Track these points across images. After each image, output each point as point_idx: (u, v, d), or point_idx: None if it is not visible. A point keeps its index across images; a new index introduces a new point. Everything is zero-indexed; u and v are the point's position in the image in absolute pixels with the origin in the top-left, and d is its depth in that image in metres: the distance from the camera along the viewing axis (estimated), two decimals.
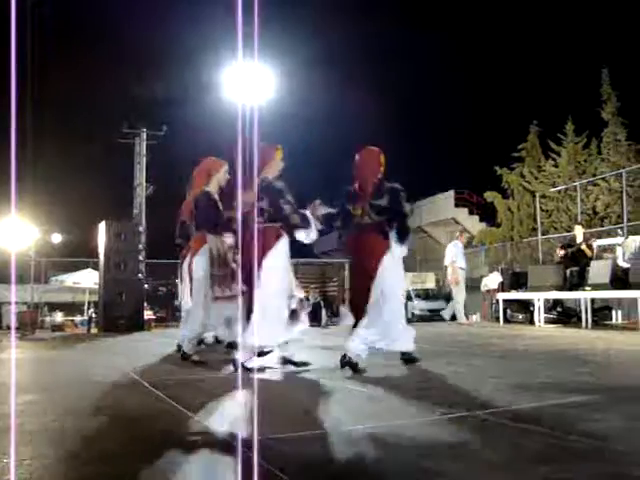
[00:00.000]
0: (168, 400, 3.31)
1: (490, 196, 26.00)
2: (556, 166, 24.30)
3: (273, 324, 4.63)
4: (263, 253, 4.63)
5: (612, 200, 21.93)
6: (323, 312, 16.07)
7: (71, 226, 30.32)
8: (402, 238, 4.74)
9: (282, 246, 4.77)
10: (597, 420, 2.67)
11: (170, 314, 26.53)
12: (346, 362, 4.47)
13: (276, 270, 4.67)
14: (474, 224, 29.41)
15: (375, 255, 4.63)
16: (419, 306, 21.01)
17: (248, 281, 4.96)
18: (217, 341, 6.43)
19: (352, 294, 5.37)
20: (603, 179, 21.56)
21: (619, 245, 11.89)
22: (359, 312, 4.62)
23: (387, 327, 4.61)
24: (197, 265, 5.38)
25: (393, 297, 4.68)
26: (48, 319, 18.72)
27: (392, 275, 4.68)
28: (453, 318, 12.73)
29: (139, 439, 2.47)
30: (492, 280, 14.12)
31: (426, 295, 22.29)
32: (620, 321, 11.12)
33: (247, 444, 2.21)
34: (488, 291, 14.24)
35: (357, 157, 4.92)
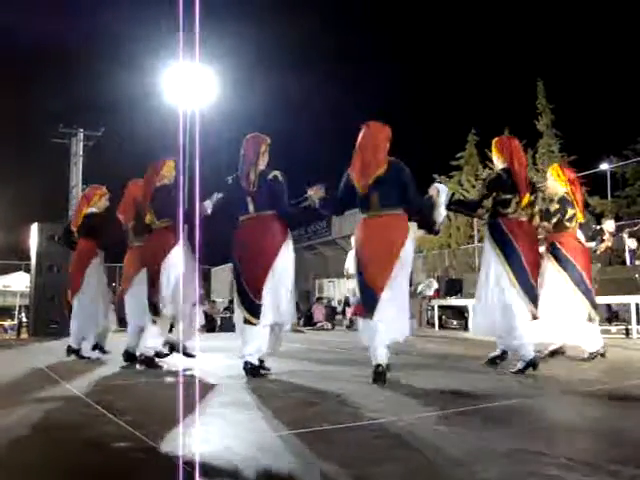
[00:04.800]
0: (96, 407, 3.23)
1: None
2: None
3: None
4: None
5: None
6: None
7: (2, 227, 29.30)
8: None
9: None
10: (520, 422, 2.75)
11: None
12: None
13: None
14: (412, 230, 29.74)
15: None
16: None
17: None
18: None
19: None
20: (538, 189, 22.15)
21: None
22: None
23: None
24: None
25: None
26: None
27: None
28: None
29: (63, 448, 2.40)
30: (428, 287, 14.34)
31: None
32: None
33: (172, 452, 2.18)
34: (424, 297, 14.45)
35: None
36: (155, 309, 5.01)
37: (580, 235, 5.78)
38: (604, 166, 22.87)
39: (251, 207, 4.49)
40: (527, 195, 4.74)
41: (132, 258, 5.76)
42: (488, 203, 4.72)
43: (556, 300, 5.29)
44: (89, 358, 6.04)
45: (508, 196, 4.66)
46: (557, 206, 5.47)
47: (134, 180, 5.90)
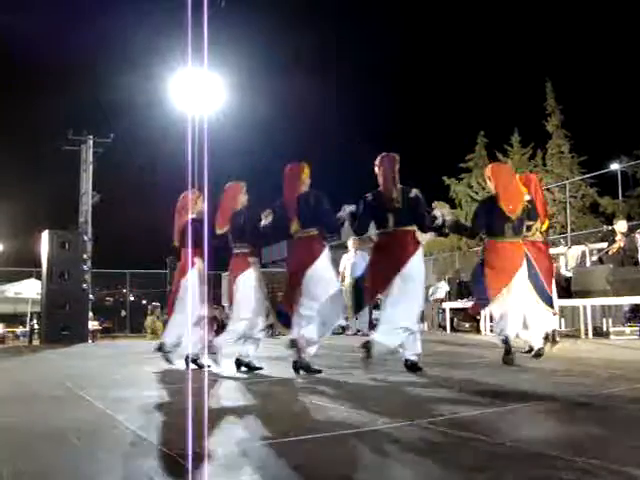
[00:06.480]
0: (110, 414, 3.22)
1: (438, 206, 26.25)
2: None
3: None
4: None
5: (557, 210, 22.52)
6: None
7: (13, 234, 29.49)
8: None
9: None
10: (534, 427, 2.72)
11: (117, 325, 26.01)
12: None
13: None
14: (423, 233, 29.73)
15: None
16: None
17: None
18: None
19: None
20: (548, 190, 22.13)
21: (562, 254, 12.20)
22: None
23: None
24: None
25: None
26: None
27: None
28: None
29: (79, 455, 2.39)
30: (439, 289, 14.29)
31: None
32: (563, 329, 11.37)
33: (182, 455, 2.17)
34: (435, 300, 14.39)
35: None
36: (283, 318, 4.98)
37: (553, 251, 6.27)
38: (615, 166, 22.75)
39: (391, 222, 4.77)
40: (547, 221, 5.91)
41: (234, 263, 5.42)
42: None
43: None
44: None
45: (531, 222, 5.52)
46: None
47: (230, 184, 5.57)
